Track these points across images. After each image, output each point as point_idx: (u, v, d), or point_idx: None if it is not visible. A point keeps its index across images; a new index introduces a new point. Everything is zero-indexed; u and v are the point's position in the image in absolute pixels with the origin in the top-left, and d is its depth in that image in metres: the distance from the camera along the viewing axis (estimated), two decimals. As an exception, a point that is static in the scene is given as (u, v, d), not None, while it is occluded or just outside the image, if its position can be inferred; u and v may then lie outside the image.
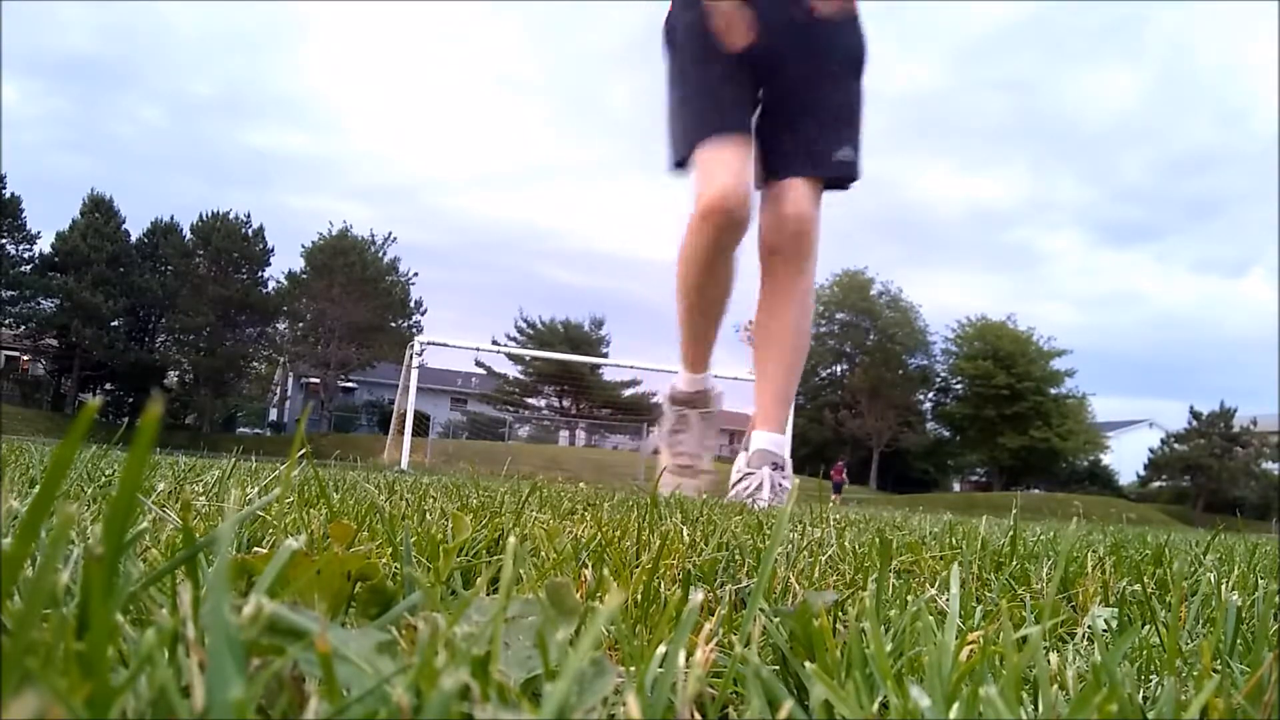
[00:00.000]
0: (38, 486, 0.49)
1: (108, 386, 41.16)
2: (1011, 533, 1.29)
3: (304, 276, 41.90)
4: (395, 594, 0.53)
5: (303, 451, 0.81)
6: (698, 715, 0.41)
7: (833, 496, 23.33)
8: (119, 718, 0.29)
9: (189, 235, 41.72)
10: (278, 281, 42.76)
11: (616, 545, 0.88)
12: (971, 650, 0.51)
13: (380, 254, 42.88)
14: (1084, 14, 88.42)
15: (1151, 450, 47.66)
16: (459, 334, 52.46)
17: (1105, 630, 0.77)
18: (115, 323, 39.75)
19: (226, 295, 40.01)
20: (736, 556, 0.89)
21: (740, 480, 2.54)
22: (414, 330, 40.14)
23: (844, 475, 31.63)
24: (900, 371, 47.94)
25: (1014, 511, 1.59)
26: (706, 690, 0.43)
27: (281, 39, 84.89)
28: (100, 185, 63.89)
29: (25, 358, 42.49)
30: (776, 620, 0.52)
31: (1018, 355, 45.72)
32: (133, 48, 72.72)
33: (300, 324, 42.82)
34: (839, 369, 49.48)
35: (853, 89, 2.57)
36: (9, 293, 37.75)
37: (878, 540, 1.12)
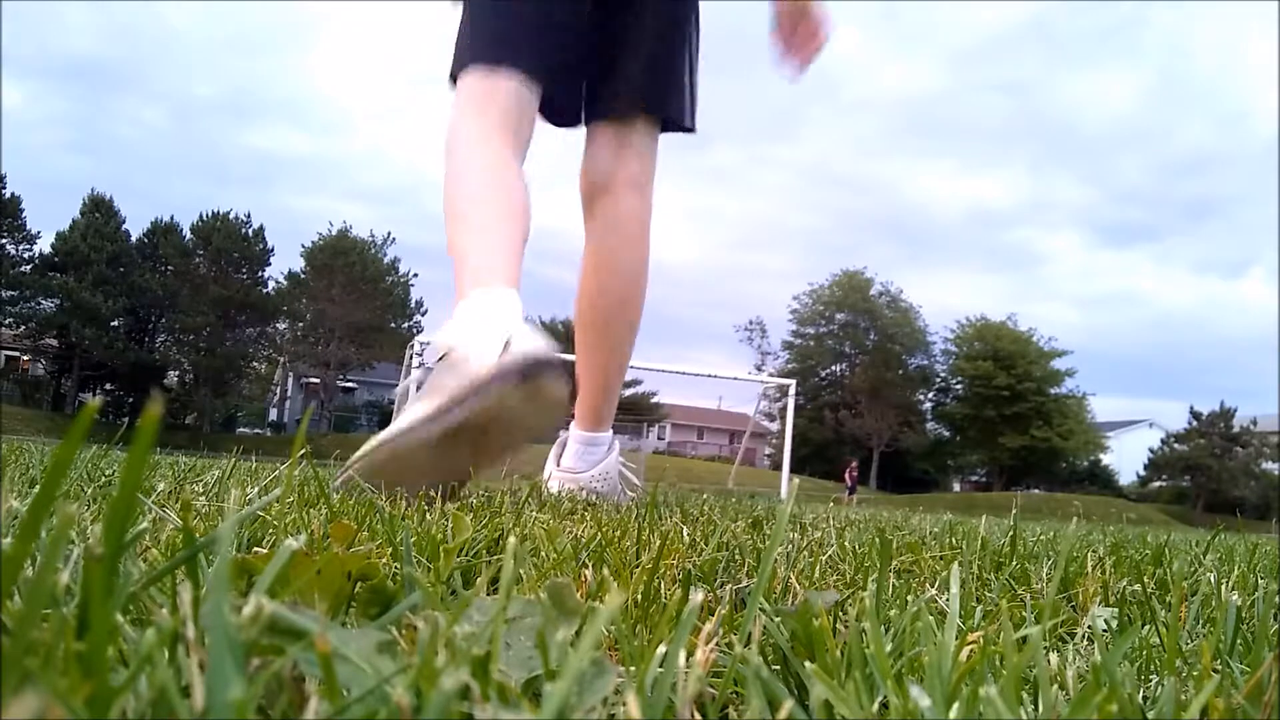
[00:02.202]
0: (38, 486, 0.49)
1: (108, 386, 41.15)
2: (1011, 533, 1.29)
3: (304, 276, 41.91)
4: (395, 594, 0.53)
5: (303, 451, 0.81)
6: (698, 715, 0.41)
7: (847, 497, 23.16)
8: (119, 718, 0.29)
9: (189, 235, 41.72)
10: (278, 281, 42.81)
11: (616, 545, 0.88)
12: (971, 650, 0.51)
13: (380, 254, 42.92)
14: (1082, 16, 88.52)
15: (1151, 450, 47.67)
16: (459, 334, 52.38)
17: (1105, 630, 0.77)
18: (115, 323, 39.73)
19: (226, 295, 40.00)
20: (737, 556, 0.89)
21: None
22: (414, 330, 40.16)
23: (852, 475, 30.95)
24: (900, 371, 47.95)
25: (1014, 511, 1.59)
26: (706, 690, 0.43)
27: (283, 41, 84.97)
28: (101, 186, 64.04)
29: (25, 358, 42.48)
30: (777, 620, 0.52)
31: (1018, 356, 45.72)
32: (135, 50, 72.83)
33: (300, 324, 42.83)
34: (839, 369, 49.51)
35: (686, 26, 2.19)
36: (9, 293, 37.73)
37: (878, 540, 1.12)
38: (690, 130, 2.24)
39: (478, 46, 1.95)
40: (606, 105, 2.14)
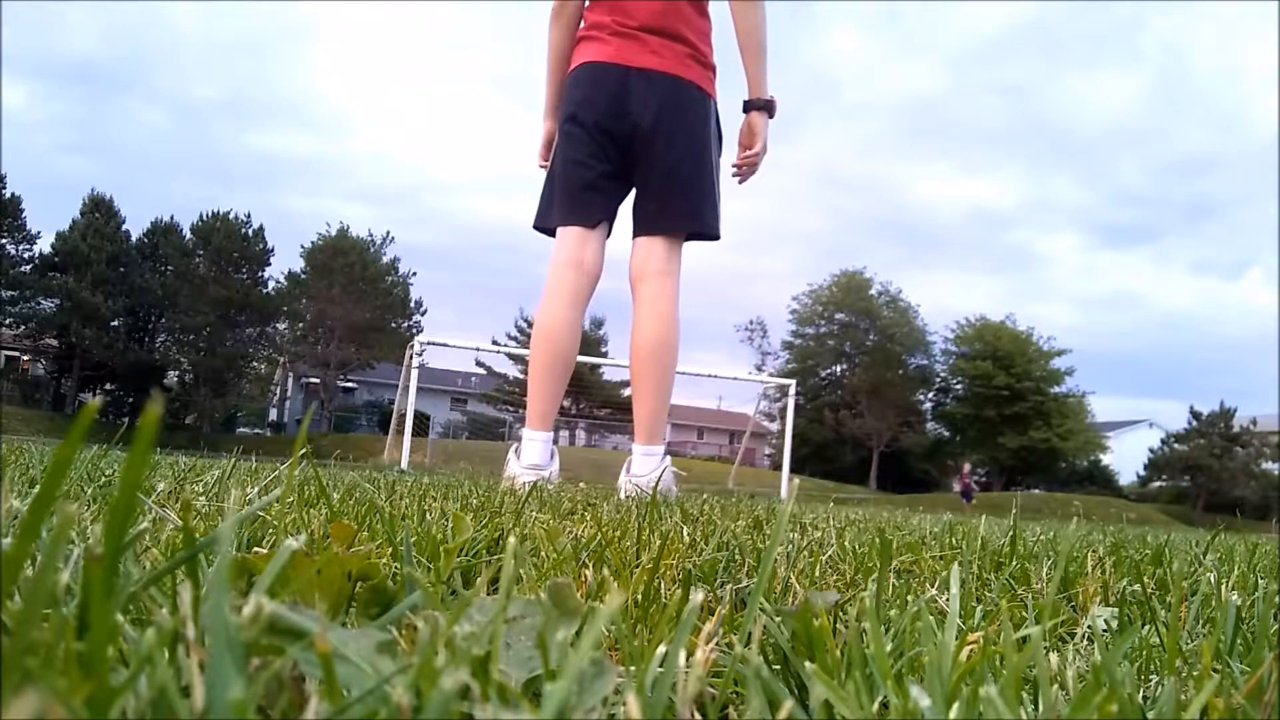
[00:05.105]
0: (38, 486, 0.49)
1: (108, 386, 41.11)
2: (1011, 533, 1.29)
3: (304, 276, 41.88)
4: (396, 594, 0.53)
5: (304, 451, 0.81)
6: (698, 715, 0.41)
7: (965, 504, 22.13)
8: (119, 718, 0.29)
9: (189, 235, 41.67)
10: (278, 281, 42.74)
11: (617, 545, 0.88)
12: (971, 650, 0.51)
13: (380, 254, 42.89)
14: (1081, 18, 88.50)
15: (1151, 450, 47.62)
16: (459, 334, 52.47)
17: (1105, 630, 0.77)
18: (115, 323, 39.70)
19: (226, 295, 39.97)
20: (737, 556, 0.89)
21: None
22: (414, 330, 40.14)
23: (969, 482, 27.72)
24: (900, 371, 47.91)
25: (1014, 511, 1.59)
26: (707, 690, 0.43)
27: (284, 42, 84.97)
28: (101, 186, 63.98)
29: (25, 358, 42.45)
30: (778, 620, 0.52)
31: (1017, 355, 45.71)
32: (136, 50, 72.83)
33: (300, 324, 42.79)
34: (839, 369, 49.47)
35: (701, 161, 3.06)
36: (9, 293, 37.70)
37: (878, 540, 1.12)
38: (715, 238, 3.12)
39: (554, 211, 3.04)
40: (639, 227, 3.09)
